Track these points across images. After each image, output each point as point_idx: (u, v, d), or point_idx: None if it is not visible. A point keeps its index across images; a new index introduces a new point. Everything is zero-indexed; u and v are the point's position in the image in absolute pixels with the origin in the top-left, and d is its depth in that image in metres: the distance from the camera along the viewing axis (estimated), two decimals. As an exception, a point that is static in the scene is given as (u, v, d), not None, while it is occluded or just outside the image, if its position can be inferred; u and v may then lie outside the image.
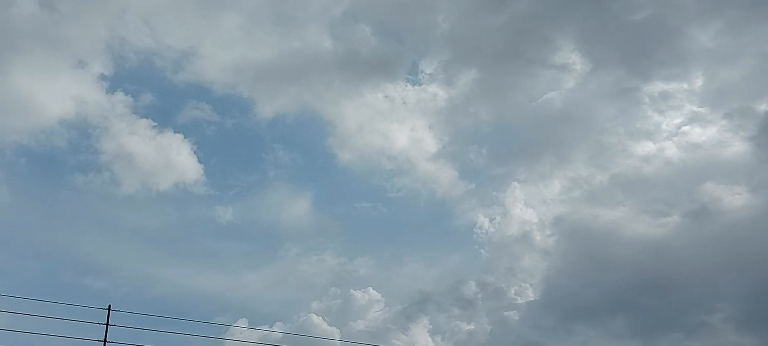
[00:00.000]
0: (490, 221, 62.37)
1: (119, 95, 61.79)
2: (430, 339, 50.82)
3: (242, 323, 44.05)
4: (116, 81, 62.10)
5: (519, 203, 62.78)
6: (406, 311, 53.00)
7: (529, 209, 62.14)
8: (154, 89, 64.45)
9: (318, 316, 50.56)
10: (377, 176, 66.91)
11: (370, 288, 54.52)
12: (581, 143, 66.41)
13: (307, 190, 65.84)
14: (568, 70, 67.60)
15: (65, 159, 60.15)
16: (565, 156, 66.14)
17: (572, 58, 67.15)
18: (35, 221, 55.98)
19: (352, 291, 54.75)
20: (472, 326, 52.53)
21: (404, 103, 69.41)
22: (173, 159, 62.28)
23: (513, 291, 54.89)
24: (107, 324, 25.28)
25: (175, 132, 63.09)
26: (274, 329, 44.32)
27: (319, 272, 58.65)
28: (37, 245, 53.52)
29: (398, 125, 68.66)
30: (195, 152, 62.31)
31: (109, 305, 25.43)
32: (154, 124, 62.26)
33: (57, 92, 60.86)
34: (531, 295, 54.45)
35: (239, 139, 67.34)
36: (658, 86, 65.80)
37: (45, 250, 53.22)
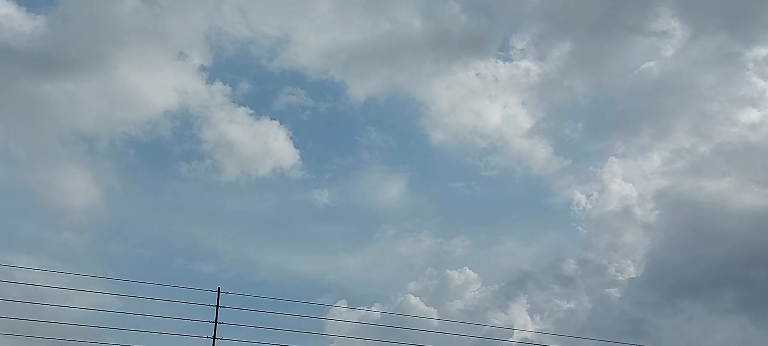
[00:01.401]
0: (588, 197, 61.22)
1: (218, 85, 63.95)
2: (528, 318, 50.54)
3: (342, 304, 45.05)
4: (215, 71, 64.23)
5: (617, 178, 61.38)
6: (504, 290, 52.85)
7: (628, 183, 60.68)
8: (251, 77, 66.33)
9: (415, 296, 51.03)
10: (471, 154, 66.69)
11: (467, 268, 54.57)
12: (682, 113, 64.24)
13: (401, 171, 66.41)
14: (667, 38, 65.43)
15: (170, 149, 62.86)
16: (666, 127, 64.10)
17: (671, 24, 64.94)
18: (146, 209, 58.90)
19: (448, 271, 54.95)
20: (571, 305, 51.91)
21: (496, 80, 68.85)
22: (270, 145, 64.06)
23: (613, 268, 53.87)
24: (217, 306, 26.47)
25: (271, 119, 64.85)
26: (373, 309, 45.22)
27: (416, 252, 59.17)
28: (149, 232, 56.32)
29: (490, 103, 68.15)
30: (291, 138, 63.86)
31: (219, 288, 26.68)
32: (252, 111, 64.12)
33: (160, 84, 63.55)
34: (633, 271, 53.30)
35: (333, 123, 68.49)
36: (762, 51, 62.86)
37: (156, 237, 55.94)
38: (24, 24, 58.38)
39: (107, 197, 57.64)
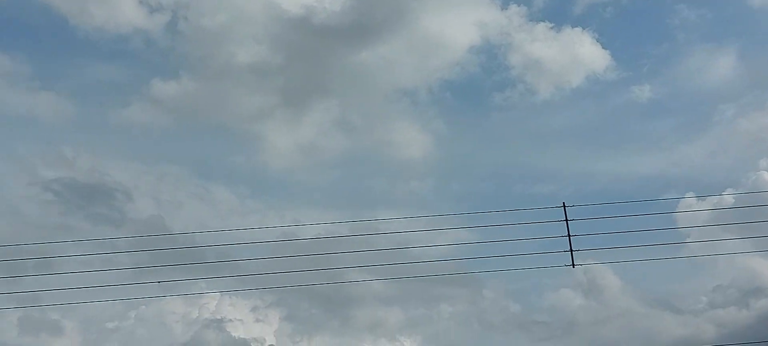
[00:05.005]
0: None
1: (513, 8, 64.51)
2: None
3: (690, 195, 43.16)
4: (508, -6, 64.61)
5: None
6: None
7: None
8: (543, -11, 65.48)
9: (770, 172, 47.00)
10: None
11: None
12: None
13: (726, 44, 61.35)
14: None
15: (482, 83, 65.18)
16: None
17: None
18: (475, 145, 62.09)
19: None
20: None
21: None
22: (578, 53, 63.15)
23: None
24: (566, 220, 27.25)
25: (572, 26, 63.76)
26: (725, 194, 42.52)
27: (763, 126, 54.45)
28: (484, 165, 59.45)
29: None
30: (597, 40, 62.19)
31: (563, 203, 27.46)
32: (551, 25, 63.61)
33: (460, 23, 66.01)
34: None
35: (638, 12, 65.23)
36: None
37: (492, 169, 58.85)
38: (334, 2, 64.27)
39: (438, 142, 61.81)
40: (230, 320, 46.99)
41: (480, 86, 65.44)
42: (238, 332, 46.62)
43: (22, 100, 59.71)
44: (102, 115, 61.31)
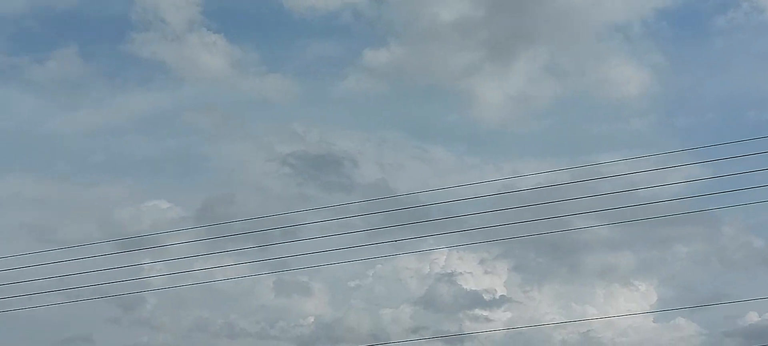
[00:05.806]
0: None
1: None
2: None
3: None
4: None
5: None
6: None
7: None
8: None
9: None
10: None
11: None
12: None
13: None
14: None
15: (701, 7, 61.05)
16: None
17: None
18: (698, 75, 58.30)
19: None
20: None
21: None
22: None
23: None
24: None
25: None
26: None
27: None
28: (710, 95, 55.91)
29: None
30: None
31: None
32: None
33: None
34: None
35: None
36: None
37: (719, 98, 55.07)
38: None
39: (657, 75, 58.55)
40: (460, 273, 48.39)
41: (699, 11, 60.64)
42: (468, 284, 47.95)
43: (253, 85, 64.47)
44: (323, 89, 64.57)
